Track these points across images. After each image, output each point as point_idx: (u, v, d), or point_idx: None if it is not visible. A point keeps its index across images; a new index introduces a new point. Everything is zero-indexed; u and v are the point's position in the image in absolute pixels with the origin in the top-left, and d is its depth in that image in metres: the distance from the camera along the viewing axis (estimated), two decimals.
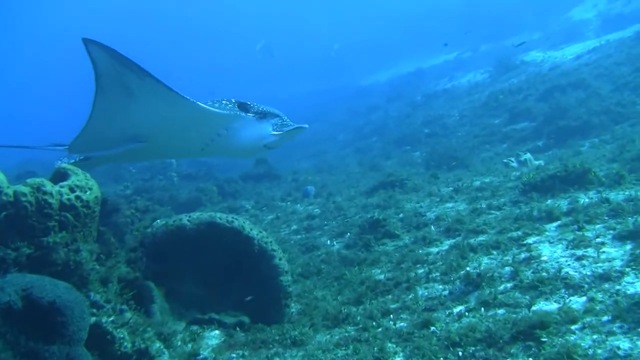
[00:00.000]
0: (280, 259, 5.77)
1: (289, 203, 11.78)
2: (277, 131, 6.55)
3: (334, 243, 8.05)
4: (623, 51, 16.82)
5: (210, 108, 5.96)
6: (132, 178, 16.39)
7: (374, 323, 5.03)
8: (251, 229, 5.80)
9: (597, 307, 4.17)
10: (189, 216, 5.80)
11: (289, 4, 73.95)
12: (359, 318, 5.24)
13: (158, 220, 6.10)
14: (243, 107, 6.42)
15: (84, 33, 5.26)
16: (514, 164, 10.63)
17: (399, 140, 18.99)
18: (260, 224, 10.16)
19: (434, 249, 6.76)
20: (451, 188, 9.37)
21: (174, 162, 17.54)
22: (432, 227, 7.58)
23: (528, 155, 10.76)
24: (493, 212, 7.53)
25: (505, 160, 10.97)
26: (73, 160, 6.10)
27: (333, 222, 9.15)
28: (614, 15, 25.60)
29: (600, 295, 4.36)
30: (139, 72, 5.25)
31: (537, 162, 10.67)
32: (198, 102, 5.76)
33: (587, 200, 6.84)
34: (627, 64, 15.61)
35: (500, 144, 14.79)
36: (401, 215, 8.46)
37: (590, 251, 5.30)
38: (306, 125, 6.74)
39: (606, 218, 6.11)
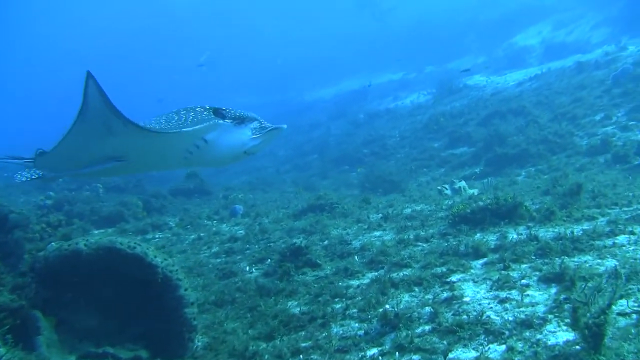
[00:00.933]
0: (185, 290, 5.20)
1: (215, 222, 11.17)
2: (256, 135, 6.00)
3: (253, 270, 7.48)
4: (563, 80, 16.87)
5: (187, 129, 5.47)
6: (58, 187, 15.46)
7: None
8: (155, 256, 5.19)
9: (516, 359, 3.85)
10: (87, 240, 5.16)
11: (239, 14, 73.25)
12: (266, 357, 4.75)
13: (53, 243, 5.43)
14: (219, 113, 5.90)
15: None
16: (448, 192, 10.29)
17: (339, 160, 18.61)
18: (181, 244, 9.55)
19: (355, 282, 6.28)
20: (381, 215, 8.94)
21: None
22: (356, 257, 7.10)
23: (462, 183, 10.44)
24: (420, 244, 7.11)
25: (439, 187, 10.63)
26: (34, 177, 5.56)
27: (256, 246, 8.59)
28: (557, 43, 25.99)
29: (520, 345, 4.04)
30: (124, 120, 4.92)
31: (471, 191, 10.35)
32: (174, 130, 5.35)
33: (515, 236, 6.51)
34: (567, 94, 15.62)
35: (438, 169, 14.55)
36: (326, 242, 7.97)
37: (514, 294, 4.94)
38: (284, 126, 6.26)
39: (533, 257, 5.78)
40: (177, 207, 12.88)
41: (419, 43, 40.52)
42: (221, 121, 5.84)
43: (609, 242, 5.89)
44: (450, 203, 9.04)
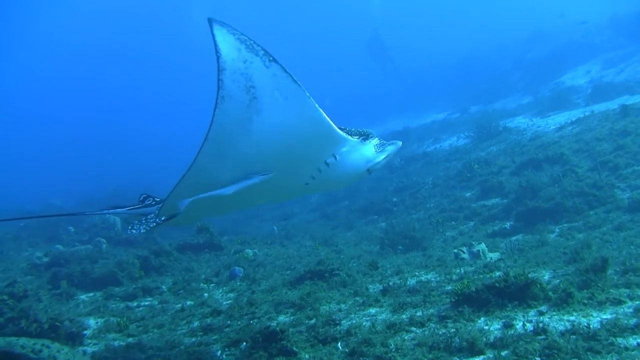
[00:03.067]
0: None
1: (212, 285, 10.38)
2: (379, 152, 5.84)
3: (224, 356, 6.62)
4: (605, 125, 15.61)
5: (333, 126, 5.11)
6: (70, 239, 15.05)
7: None
8: None
9: None
10: None
11: (285, 50, 73.70)
12: None
13: None
14: (341, 130, 5.43)
15: None
16: (465, 255, 9.26)
17: (367, 208, 17.70)
18: (163, 315, 8.76)
19: None
20: (382, 287, 7.96)
21: (118, 223, 16.25)
22: (339, 344, 6.16)
23: (482, 246, 9.38)
24: (414, 329, 6.15)
25: (455, 251, 9.58)
26: (157, 222, 5.35)
27: (238, 322, 7.73)
28: (605, 83, 24.52)
29: None
30: (272, 64, 4.33)
31: (491, 255, 9.29)
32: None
33: (522, 326, 5.49)
34: (609, 140, 14.38)
35: (467, 222, 13.48)
36: (313, 321, 7.06)
37: None
38: (400, 142, 6.17)
39: (537, 359, 4.76)
40: (180, 265, 12.12)
41: (465, 81, 39.50)
42: (350, 137, 5.46)
43: (632, 341, 4.84)
44: (462, 272, 8.03)
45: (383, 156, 5.85)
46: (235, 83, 4.31)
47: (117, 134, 62.73)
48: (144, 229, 5.35)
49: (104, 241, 14.19)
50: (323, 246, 13.50)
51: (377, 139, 5.91)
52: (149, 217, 5.52)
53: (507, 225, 12.17)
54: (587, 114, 17.95)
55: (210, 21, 4.06)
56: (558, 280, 6.81)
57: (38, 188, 37.74)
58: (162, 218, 5.36)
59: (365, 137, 5.77)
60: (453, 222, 13.71)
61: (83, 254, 12.67)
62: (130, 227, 5.37)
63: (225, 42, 4.13)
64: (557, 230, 10.93)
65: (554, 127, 18.67)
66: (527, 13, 63.95)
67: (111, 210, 5.84)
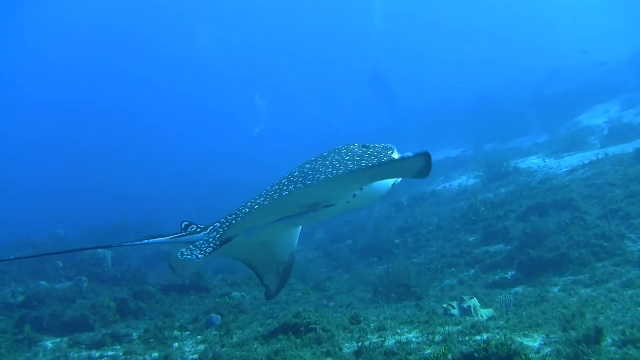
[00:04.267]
0: None
1: (187, 334, 9.71)
2: None
3: None
4: (619, 170, 14.84)
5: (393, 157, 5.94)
6: (56, 275, 14.51)
7: None
8: None
9: None
10: None
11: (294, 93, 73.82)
12: None
13: None
14: (368, 147, 6.32)
15: None
16: (455, 311, 8.54)
17: (368, 249, 17.01)
18: None
19: None
20: (357, 347, 7.25)
21: (109, 258, 15.71)
22: None
23: (474, 302, 8.65)
24: None
25: (445, 306, 8.85)
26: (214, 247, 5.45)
27: None
28: (624, 124, 23.68)
29: None
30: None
31: (484, 312, 8.56)
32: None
33: None
34: (621, 187, 13.63)
35: (468, 269, 12.76)
36: None
37: None
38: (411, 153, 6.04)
39: None
40: (160, 309, 11.47)
41: (481, 117, 38.77)
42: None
43: None
44: (446, 332, 7.31)
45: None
46: None
47: (118, 161, 62.63)
48: (201, 254, 5.32)
49: (85, 279, 13.56)
50: (315, 291, 12.84)
51: (396, 152, 6.22)
52: (197, 244, 5.54)
53: (509, 275, 11.45)
54: (601, 156, 17.20)
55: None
56: (549, 349, 6.10)
57: (36, 215, 37.43)
58: (217, 243, 5.48)
59: (392, 151, 6.16)
60: (453, 269, 13.00)
61: (61, 294, 12.08)
62: (180, 255, 5.27)
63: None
64: (561, 283, 10.22)
65: (566, 169, 17.91)
66: (546, 50, 63.33)
67: (152, 240, 5.77)
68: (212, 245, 5.45)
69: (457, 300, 8.87)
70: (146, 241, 5.80)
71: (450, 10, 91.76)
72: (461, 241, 14.65)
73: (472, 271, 12.55)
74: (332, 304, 11.62)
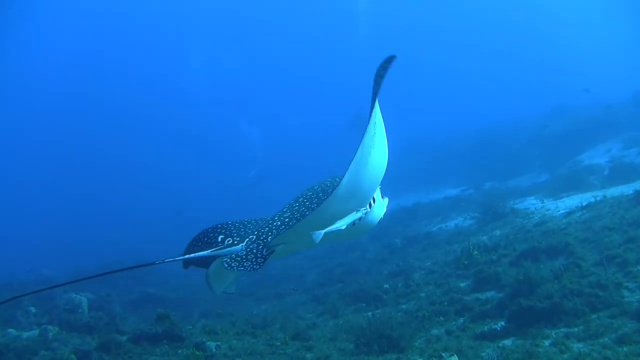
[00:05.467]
0: None
1: None
2: (385, 205, 7.18)
3: None
4: (617, 213, 14.19)
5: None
6: (27, 321, 13.82)
7: None
8: None
9: None
10: None
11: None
12: None
13: None
14: None
15: None
16: None
17: (357, 294, 16.28)
18: None
19: None
20: None
21: (84, 304, 15.04)
22: None
23: (454, 359, 7.95)
24: None
25: None
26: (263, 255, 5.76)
27: None
28: (625, 163, 23.13)
29: None
30: None
31: None
32: None
33: None
34: (619, 231, 12.95)
35: (457, 318, 12.05)
36: None
37: None
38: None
39: None
40: None
41: (481, 155, 38.24)
42: None
43: None
44: None
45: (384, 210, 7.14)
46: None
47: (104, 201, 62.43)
48: (256, 265, 5.59)
49: (52, 328, 12.85)
50: (294, 340, 12.12)
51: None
52: (240, 254, 5.76)
53: (498, 325, 10.74)
54: (599, 198, 16.55)
55: None
56: None
57: (18, 255, 36.88)
58: (265, 253, 5.75)
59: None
60: (441, 317, 12.29)
61: (23, 345, 11.36)
62: (227, 264, 5.56)
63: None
64: (553, 335, 9.50)
65: (564, 211, 17.23)
66: (547, 88, 63.20)
67: (192, 255, 5.85)
68: (259, 255, 5.71)
69: (435, 358, 8.17)
70: (187, 256, 5.90)
71: (450, 43, 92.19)
72: (452, 287, 13.96)
73: (461, 320, 11.84)
74: (309, 355, 10.90)
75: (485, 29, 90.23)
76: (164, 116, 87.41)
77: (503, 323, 10.72)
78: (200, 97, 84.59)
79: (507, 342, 9.80)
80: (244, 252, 5.78)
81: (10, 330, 13.26)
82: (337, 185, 5.57)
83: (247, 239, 6.03)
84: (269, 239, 5.85)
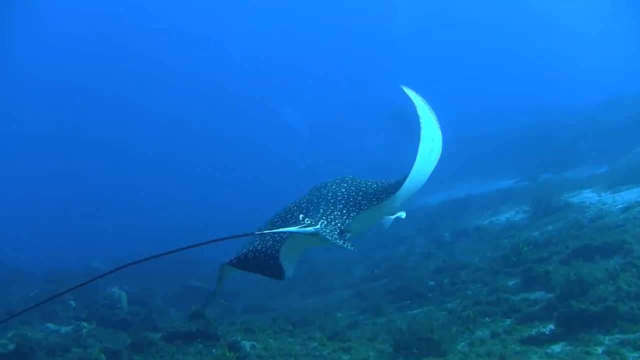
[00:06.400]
0: None
1: None
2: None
3: None
4: None
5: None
6: (67, 316, 13.82)
7: None
8: None
9: None
10: None
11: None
12: None
13: None
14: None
15: None
16: None
17: (401, 291, 15.81)
18: None
19: None
20: None
21: (123, 299, 14.99)
22: None
23: None
24: None
25: None
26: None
27: None
28: None
29: None
30: None
31: None
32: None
33: None
34: None
35: (503, 320, 11.43)
36: None
37: None
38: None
39: None
40: None
41: (536, 146, 36.95)
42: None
43: None
44: None
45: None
46: None
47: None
48: (348, 242, 5.85)
49: (86, 325, 12.76)
50: (331, 341, 11.73)
51: None
52: (325, 232, 5.80)
53: (547, 329, 10.08)
54: None
55: None
56: None
57: (64, 245, 37.54)
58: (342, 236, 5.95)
59: None
60: (487, 318, 11.70)
61: (56, 342, 11.26)
62: (336, 240, 5.73)
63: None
64: (607, 342, 8.84)
65: (621, 205, 16.27)
66: (605, 77, 60.88)
67: (279, 230, 5.83)
68: (338, 237, 5.85)
69: None
70: (267, 231, 5.90)
71: (502, 34, 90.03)
72: (499, 286, 13.32)
73: (508, 322, 11.23)
74: (345, 357, 10.51)
75: (536, 18, 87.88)
76: (206, 109, 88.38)
77: (552, 326, 10.06)
78: (239, 86, 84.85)
79: (556, 347, 9.19)
80: (327, 232, 5.88)
81: (49, 324, 13.29)
82: (399, 187, 6.01)
83: (321, 221, 6.05)
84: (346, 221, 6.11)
